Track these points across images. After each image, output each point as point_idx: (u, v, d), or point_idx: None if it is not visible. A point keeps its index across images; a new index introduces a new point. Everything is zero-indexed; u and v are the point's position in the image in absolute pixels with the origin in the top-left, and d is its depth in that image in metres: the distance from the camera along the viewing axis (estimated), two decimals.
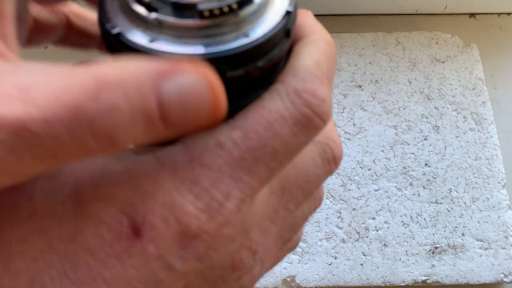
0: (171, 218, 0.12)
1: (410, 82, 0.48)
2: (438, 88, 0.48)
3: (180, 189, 0.12)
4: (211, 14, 0.12)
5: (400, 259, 0.40)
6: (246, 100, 0.13)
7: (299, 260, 0.40)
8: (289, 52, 0.14)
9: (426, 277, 0.40)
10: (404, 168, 0.44)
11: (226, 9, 0.12)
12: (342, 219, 0.42)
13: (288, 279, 0.40)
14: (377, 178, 0.43)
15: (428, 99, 0.47)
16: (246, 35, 0.12)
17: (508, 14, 0.54)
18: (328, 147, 0.16)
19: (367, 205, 0.42)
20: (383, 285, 0.40)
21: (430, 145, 0.45)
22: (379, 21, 0.54)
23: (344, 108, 0.47)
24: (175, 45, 0.12)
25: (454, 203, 0.43)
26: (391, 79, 0.48)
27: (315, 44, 0.14)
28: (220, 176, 0.12)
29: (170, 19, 0.12)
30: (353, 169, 0.44)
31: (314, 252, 0.41)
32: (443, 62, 0.49)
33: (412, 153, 0.45)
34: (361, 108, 0.47)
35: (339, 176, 0.44)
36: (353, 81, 0.48)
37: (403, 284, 0.40)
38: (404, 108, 0.47)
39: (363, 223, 0.42)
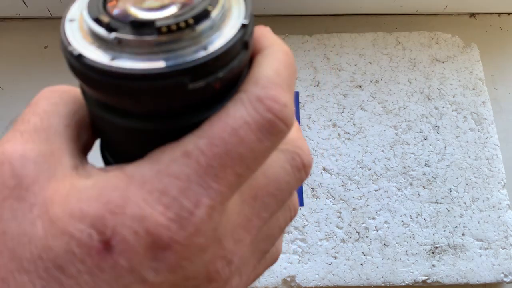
0: (141, 230, 0.12)
1: (410, 82, 0.48)
2: (438, 88, 0.48)
3: (149, 200, 0.12)
4: (169, 30, 0.12)
5: (400, 259, 0.40)
6: (210, 110, 0.14)
7: (299, 260, 0.40)
8: (249, 64, 0.15)
9: (426, 277, 0.40)
10: (404, 168, 0.44)
11: (183, 25, 0.13)
12: (342, 219, 0.42)
13: (288, 279, 0.40)
14: (377, 178, 0.43)
15: (428, 99, 0.47)
16: (205, 48, 0.13)
17: (508, 14, 0.54)
18: (297, 155, 0.16)
19: (367, 205, 0.42)
20: (383, 285, 0.40)
21: (430, 145, 0.45)
22: (379, 21, 0.54)
23: (344, 108, 0.47)
24: (136, 61, 0.12)
25: (454, 203, 0.43)
26: (391, 79, 0.48)
27: (274, 55, 0.15)
28: (188, 185, 0.13)
29: (130, 37, 0.12)
30: (353, 169, 0.44)
31: (314, 252, 0.41)
32: (443, 62, 0.49)
33: (412, 153, 0.45)
34: (361, 108, 0.47)
35: (339, 176, 0.44)
36: (353, 81, 0.48)
37: (403, 284, 0.40)
38: (404, 108, 0.47)
39: (363, 223, 0.42)
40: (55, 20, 0.53)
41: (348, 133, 0.46)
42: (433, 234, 0.41)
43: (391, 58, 0.49)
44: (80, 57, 0.13)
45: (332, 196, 0.43)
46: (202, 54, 0.13)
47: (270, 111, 0.13)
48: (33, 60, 0.51)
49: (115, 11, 0.14)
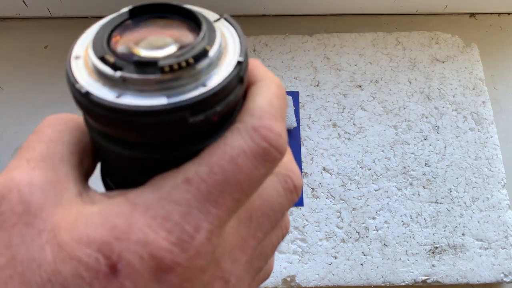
0: (145, 254, 0.13)
1: (410, 82, 0.48)
2: (438, 88, 0.48)
3: (152, 226, 0.13)
4: (171, 69, 0.13)
5: (400, 259, 0.40)
6: (209, 140, 0.15)
7: (299, 260, 0.40)
8: (244, 95, 0.16)
9: (426, 277, 0.40)
10: (404, 168, 0.44)
11: (184, 64, 0.14)
12: (342, 219, 0.42)
13: (288, 279, 0.40)
14: (377, 178, 0.43)
15: (428, 99, 0.47)
16: (204, 84, 0.14)
17: (508, 14, 0.54)
18: (289, 178, 0.17)
19: (367, 205, 0.42)
20: (383, 285, 0.40)
21: (430, 145, 0.45)
22: (379, 21, 0.54)
23: (344, 108, 0.47)
24: (140, 98, 0.13)
25: (454, 203, 0.43)
26: (391, 79, 0.48)
27: (267, 87, 0.16)
28: (189, 210, 0.13)
29: (134, 76, 0.13)
30: (353, 169, 0.44)
31: (314, 252, 0.41)
32: (443, 62, 0.49)
33: (412, 153, 0.45)
34: (361, 108, 0.47)
35: (339, 176, 0.44)
36: (353, 81, 0.48)
37: (403, 284, 0.40)
38: (404, 108, 0.47)
39: (363, 223, 0.42)
40: (55, 20, 0.53)
41: (348, 133, 0.46)
42: (433, 234, 0.41)
43: (391, 58, 0.49)
44: (87, 94, 0.14)
45: (332, 196, 0.43)
46: (201, 90, 0.14)
47: (266, 140, 0.14)
48: (33, 59, 0.51)
49: (119, 49, 0.15)
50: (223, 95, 0.14)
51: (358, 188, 0.43)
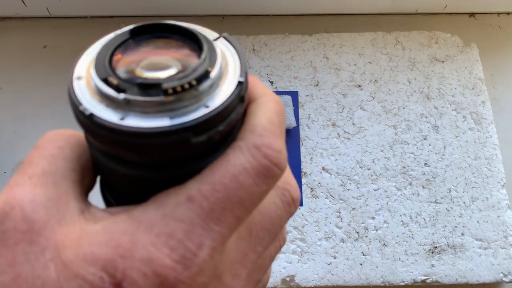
0: (149, 272, 0.13)
1: (409, 82, 0.48)
2: (437, 87, 0.48)
3: (156, 244, 0.13)
4: (174, 91, 0.14)
5: (399, 258, 0.40)
6: (211, 158, 0.15)
7: (299, 260, 0.40)
8: (244, 112, 0.16)
9: (426, 277, 0.40)
10: (404, 167, 0.44)
11: (186, 86, 0.14)
12: (341, 219, 0.42)
13: (288, 279, 0.40)
14: (377, 178, 0.43)
15: (428, 98, 0.47)
16: (206, 105, 0.14)
17: (508, 13, 0.54)
18: (287, 191, 0.18)
19: (367, 205, 0.42)
20: (382, 284, 0.40)
21: (429, 145, 0.45)
22: (378, 21, 0.54)
23: (343, 108, 0.47)
24: (143, 120, 0.14)
25: (453, 202, 0.42)
26: (391, 78, 0.48)
27: (266, 104, 0.16)
28: (192, 228, 0.14)
29: (138, 98, 0.14)
30: (352, 169, 0.44)
31: (313, 251, 0.41)
32: (442, 61, 0.49)
33: (412, 153, 0.45)
34: (360, 108, 0.47)
35: (338, 175, 0.44)
36: (353, 81, 0.48)
37: (402, 283, 0.40)
38: (404, 108, 0.47)
39: (362, 223, 0.42)
40: (54, 20, 0.53)
41: (348, 132, 0.45)
42: (433, 234, 0.41)
43: (390, 58, 0.49)
44: (91, 116, 0.14)
45: (331, 195, 0.43)
46: (203, 111, 0.14)
47: (267, 158, 0.15)
48: (32, 59, 0.51)
49: (121, 70, 0.15)
50: (225, 115, 0.15)
51: (358, 188, 0.43)
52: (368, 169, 0.44)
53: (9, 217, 0.14)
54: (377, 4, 0.53)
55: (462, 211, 0.42)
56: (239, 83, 0.15)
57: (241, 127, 0.16)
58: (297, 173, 0.44)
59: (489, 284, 0.41)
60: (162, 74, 0.14)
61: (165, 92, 0.13)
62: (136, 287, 0.13)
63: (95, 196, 0.17)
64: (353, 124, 0.46)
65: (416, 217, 0.42)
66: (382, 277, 0.40)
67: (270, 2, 0.52)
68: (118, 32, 0.16)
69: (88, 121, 0.14)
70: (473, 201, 0.43)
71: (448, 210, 0.42)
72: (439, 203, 0.43)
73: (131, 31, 0.16)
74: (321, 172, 0.44)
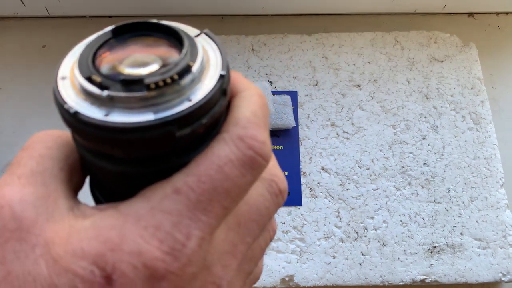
0: (139, 264, 0.13)
1: (408, 82, 0.48)
2: (436, 87, 0.48)
3: (144, 236, 0.14)
4: (157, 86, 0.14)
5: (398, 258, 0.40)
6: (196, 150, 0.15)
7: (298, 260, 0.40)
8: (228, 106, 0.17)
9: (425, 277, 0.40)
10: (403, 167, 0.44)
11: (169, 80, 0.14)
12: (340, 219, 0.42)
13: (287, 279, 0.40)
14: (376, 178, 0.43)
15: (427, 98, 0.47)
16: (189, 99, 0.14)
17: (507, 13, 0.54)
18: (274, 182, 0.18)
19: (366, 205, 0.42)
20: (381, 284, 0.40)
21: (428, 145, 0.45)
22: (377, 21, 0.54)
23: (342, 108, 0.47)
24: (128, 115, 0.14)
25: (452, 202, 0.43)
26: (390, 78, 0.48)
27: (250, 98, 0.17)
28: (180, 219, 0.14)
29: (121, 94, 0.14)
30: (351, 169, 0.44)
31: (312, 251, 0.41)
32: (441, 61, 0.49)
33: (411, 153, 0.45)
34: (359, 108, 0.47)
35: (337, 175, 0.44)
36: (352, 81, 0.48)
37: (401, 283, 0.40)
38: (403, 108, 0.47)
39: (361, 223, 0.42)
40: (53, 19, 0.53)
41: (347, 132, 0.45)
42: (432, 234, 0.41)
43: (389, 58, 0.49)
44: (76, 114, 0.14)
45: (330, 195, 0.43)
46: (187, 105, 0.14)
47: (251, 149, 0.15)
48: (31, 59, 0.51)
49: (104, 68, 0.15)
50: (208, 108, 0.15)
51: (357, 187, 0.43)
52: (367, 169, 0.44)
53: None
54: (376, 4, 0.53)
55: (461, 210, 0.42)
56: (221, 76, 0.15)
57: (225, 120, 0.16)
58: (296, 173, 0.44)
59: (488, 283, 0.41)
60: (144, 71, 0.15)
61: (148, 87, 0.14)
62: (126, 280, 0.13)
63: (88, 197, 0.18)
64: (352, 124, 0.46)
65: (415, 216, 0.42)
66: (381, 276, 0.40)
67: (269, 2, 0.52)
68: (101, 32, 0.16)
69: (73, 119, 0.14)
70: (472, 201, 0.43)
71: (447, 210, 0.42)
72: (438, 202, 0.43)
73: (113, 31, 0.16)
74: (320, 172, 0.44)
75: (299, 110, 0.47)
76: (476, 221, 0.42)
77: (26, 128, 0.47)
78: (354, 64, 0.49)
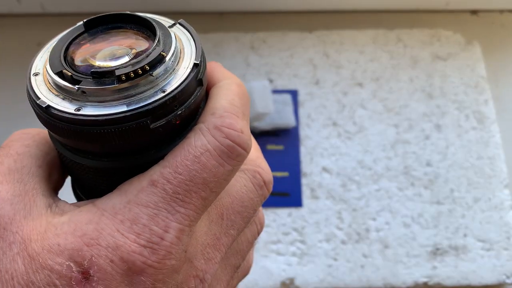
0: (116, 258, 0.13)
1: (411, 80, 0.48)
2: (439, 86, 0.47)
3: (121, 230, 0.14)
4: (128, 77, 0.14)
5: (401, 260, 0.40)
6: (173, 143, 0.15)
7: (298, 262, 0.40)
8: (206, 97, 0.17)
9: (427, 279, 0.39)
10: (406, 168, 0.43)
11: (140, 71, 0.14)
12: (342, 220, 0.41)
13: (287, 281, 0.39)
14: (378, 178, 0.43)
15: (430, 97, 0.47)
16: (162, 90, 0.14)
17: (510, 11, 0.54)
18: (258, 173, 0.18)
19: (368, 206, 0.42)
20: (383, 287, 0.39)
21: (431, 144, 0.44)
22: (379, 18, 0.53)
23: (344, 107, 0.46)
24: (100, 108, 0.14)
25: (456, 203, 0.42)
26: (392, 77, 0.48)
27: (228, 87, 0.17)
28: (157, 212, 0.14)
29: (93, 88, 0.14)
30: (353, 169, 0.43)
31: (313, 253, 0.40)
32: (444, 59, 0.49)
33: (414, 153, 0.44)
34: (361, 107, 0.46)
35: (339, 176, 0.43)
36: (353, 79, 0.48)
37: (403, 286, 0.39)
38: (405, 107, 0.46)
39: (363, 224, 0.41)
40: (48, 17, 0.52)
41: (348, 132, 0.45)
42: (435, 235, 0.41)
43: (392, 56, 0.49)
44: (48, 108, 0.14)
45: (332, 196, 0.42)
46: (160, 95, 0.14)
47: (228, 137, 0.15)
48: (26, 57, 0.50)
49: (76, 62, 0.15)
50: (183, 98, 0.15)
51: (359, 188, 0.43)
52: (369, 169, 0.43)
53: None
54: (378, 1, 0.52)
55: (464, 212, 0.42)
56: (195, 65, 0.15)
57: (202, 111, 0.16)
58: (297, 174, 0.43)
59: (491, 285, 0.40)
60: (116, 63, 0.15)
61: (119, 79, 0.14)
62: (104, 274, 0.13)
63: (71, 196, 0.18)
64: (354, 123, 0.45)
65: (418, 218, 0.41)
66: (383, 279, 0.39)
67: None
68: (73, 26, 0.16)
69: (45, 114, 0.14)
70: (476, 202, 0.42)
71: (450, 211, 0.42)
72: (441, 203, 0.42)
73: (85, 24, 0.16)
74: (321, 173, 0.43)
75: (300, 109, 0.46)
76: (480, 222, 0.41)
77: (22, 127, 0.47)
78: (355, 62, 0.48)
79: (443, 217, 0.41)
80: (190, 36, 0.16)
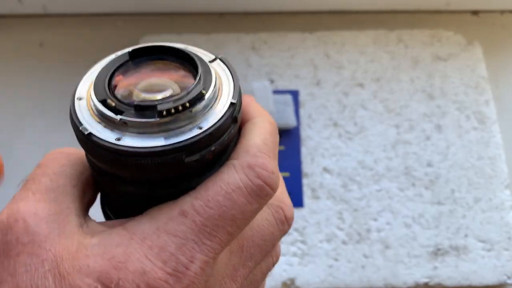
0: (142, 284, 0.14)
1: (412, 81, 0.48)
2: (440, 86, 0.47)
3: (149, 256, 0.14)
4: (168, 112, 0.14)
5: (402, 261, 0.40)
6: (205, 175, 0.16)
7: (299, 262, 0.40)
8: (239, 131, 0.17)
9: (428, 279, 0.39)
10: (406, 168, 0.43)
11: (180, 108, 0.15)
12: (343, 220, 0.41)
13: (288, 282, 0.39)
14: (379, 179, 0.43)
15: (430, 97, 0.47)
16: (199, 127, 0.15)
17: (511, 11, 0.54)
18: (281, 209, 0.18)
19: (369, 206, 0.42)
20: (384, 287, 0.39)
21: (432, 145, 0.45)
22: (380, 19, 0.53)
23: (345, 107, 0.46)
24: (139, 140, 0.14)
25: (456, 203, 0.42)
26: (393, 77, 0.48)
27: (261, 125, 0.17)
28: (185, 242, 0.14)
29: (134, 119, 0.14)
30: (354, 169, 0.43)
31: (314, 254, 0.40)
32: (445, 60, 0.49)
33: (414, 153, 0.44)
34: (362, 107, 0.46)
35: (340, 176, 0.43)
36: (354, 80, 0.48)
37: (404, 286, 0.39)
38: (406, 107, 0.46)
39: (364, 225, 0.41)
40: (50, 17, 0.53)
41: (349, 132, 0.45)
42: (436, 236, 0.41)
43: (392, 56, 0.49)
44: (90, 136, 0.15)
45: (332, 196, 0.42)
46: (197, 132, 0.15)
47: (260, 177, 0.15)
48: (29, 58, 0.50)
49: (120, 92, 0.16)
50: (218, 135, 0.15)
51: (359, 188, 0.43)
52: (370, 170, 0.43)
53: (13, 230, 0.15)
54: (379, 1, 0.52)
55: (465, 212, 0.42)
56: (232, 104, 0.16)
57: (235, 146, 0.17)
58: (298, 174, 0.43)
59: (492, 286, 0.40)
60: (158, 96, 0.15)
61: (160, 114, 0.14)
62: None
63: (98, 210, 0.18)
64: (355, 123, 0.45)
65: (419, 218, 0.41)
66: (384, 279, 0.39)
67: None
68: (118, 53, 0.17)
69: (86, 140, 0.15)
70: (477, 202, 0.42)
71: (451, 211, 0.42)
72: (442, 204, 0.42)
73: (130, 53, 0.17)
74: (322, 173, 0.43)
75: (301, 110, 0.46)
76: (481, 223, 0.41)
77: (23, 127, 0.47)
78: (356, 63, 0.48)
79: (444, 218, 0.41)
80: (229, 73, 0.17)
